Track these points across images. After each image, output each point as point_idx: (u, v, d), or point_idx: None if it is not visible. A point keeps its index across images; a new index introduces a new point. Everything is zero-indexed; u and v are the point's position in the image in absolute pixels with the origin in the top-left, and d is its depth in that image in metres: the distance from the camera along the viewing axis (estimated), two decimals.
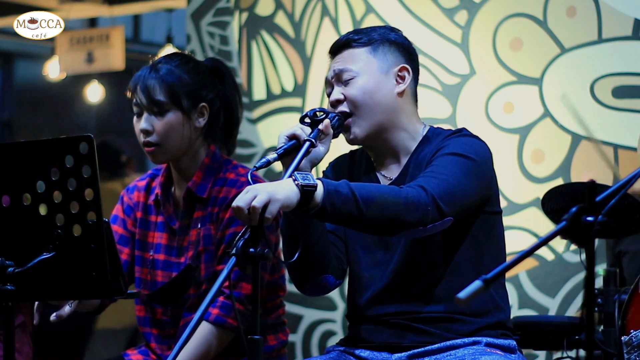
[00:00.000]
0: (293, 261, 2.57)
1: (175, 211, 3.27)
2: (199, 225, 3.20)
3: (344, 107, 2.74)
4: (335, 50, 2.81)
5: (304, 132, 2.63)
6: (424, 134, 2.79)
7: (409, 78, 2.78)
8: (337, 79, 2.77)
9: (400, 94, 2.77)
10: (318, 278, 2.70)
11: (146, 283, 3.26)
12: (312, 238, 2.65)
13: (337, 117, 2.71)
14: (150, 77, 3.17)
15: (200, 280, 3.18)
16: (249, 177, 2.52)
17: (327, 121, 2.67)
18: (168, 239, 3.25)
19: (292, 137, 2.62)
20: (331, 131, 2.68)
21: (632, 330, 2.96)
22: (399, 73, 2.77)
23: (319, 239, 2.67)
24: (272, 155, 2.56)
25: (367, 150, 2.84)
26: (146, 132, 3.17)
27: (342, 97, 2.75)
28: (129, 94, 3.21)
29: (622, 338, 2.91)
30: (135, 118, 3.22)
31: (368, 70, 2.75)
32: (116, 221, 3.32)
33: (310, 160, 2.65)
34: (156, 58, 3.27)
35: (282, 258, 2.78)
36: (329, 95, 2.80)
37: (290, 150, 2.61)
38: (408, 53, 2.82)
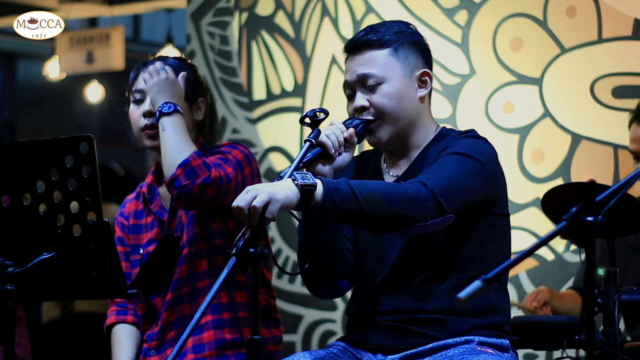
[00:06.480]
0: (304, 269, 2.65)
1: (164, 205, 3.28)
2: None
3: (369, 115, 2.73)
4: (354, 49, 2.77)
5: (330, 139, 2.62)
6: (436, 133, 2.80)
7: (430, 83, 2.79)
8: (360, 83, 2.75)
9: (422, 98, 2.78)
10: (332, 283, 2.74)
11: None
12: (328, 246, 2.67)
13: (361, 125, 2.71)
14: (158, 64, 3.19)
15: (182, 246, 3.18)
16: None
17: (351, 130, 2.67)
18: (157, 233, 3.27)
19: (319, 144, 2.62)
20: (356, 140, 2.68)
21: None
22: (421, 78, 2.77)
23: (336, 247, 2.70)
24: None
25: (383, 149, 2.84)
26: (150, 114, 3.17)
27: (367, 104, 2.73)
28: (132, 84, 3.22)
29: None
30: (133, 106, 3.22)
31: (393, 75, 2.73)
32: (118, 243, 3.33)
33: (333, 167, 2.66)
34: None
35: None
36: (349, 97, 2.77)
37: (315, 158, 2.61)
38: (425, 52, 2.82)
